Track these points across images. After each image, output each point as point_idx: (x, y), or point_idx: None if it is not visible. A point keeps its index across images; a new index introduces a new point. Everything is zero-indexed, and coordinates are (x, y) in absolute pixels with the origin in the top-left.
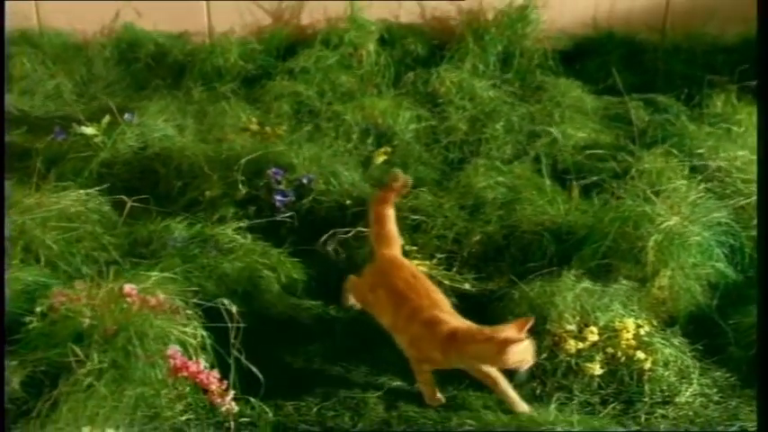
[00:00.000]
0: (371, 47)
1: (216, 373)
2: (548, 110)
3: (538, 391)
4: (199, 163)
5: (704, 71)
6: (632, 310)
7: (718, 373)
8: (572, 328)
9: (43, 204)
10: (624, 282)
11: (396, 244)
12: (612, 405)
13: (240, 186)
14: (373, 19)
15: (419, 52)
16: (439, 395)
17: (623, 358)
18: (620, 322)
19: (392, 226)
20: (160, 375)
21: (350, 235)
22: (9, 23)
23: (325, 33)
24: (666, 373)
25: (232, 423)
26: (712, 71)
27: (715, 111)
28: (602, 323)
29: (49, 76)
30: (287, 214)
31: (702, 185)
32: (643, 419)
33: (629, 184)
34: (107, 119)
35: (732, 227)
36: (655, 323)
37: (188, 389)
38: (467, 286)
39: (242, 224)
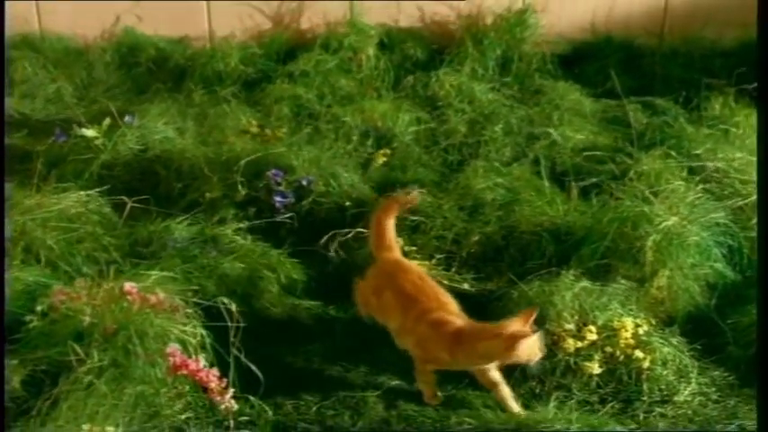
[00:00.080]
0: (371, 51)
1: (215, 371)
2: (546, 112)
3: (537, 390)
4: (199, 165)
5: (702, 75)
6: (631, 310)
7: (716, 373)
8: (571, 327)
9: (44, 205)
10: (623, 281)
11: (395, 249)
12: (611, 404)
13: (240, 188)
14: (373, 23)
15: (418, 56)
16: (438, 394)
17: (622, 357)
18: (618, 321)
19: (392, 234)
20: (160, 374)
21: (350, 236)
22: (10, 28)
23: (324, 37)
24: (665, 373)
25: (231, 421)
26: (710, 75)
27: (713, 113)
28: (600, 322)
29: (50, 80)
30: (287, 215)
31: (700, 186)
32: (642, 418)
33: (627, 185)
34: (108, 121)
35: (730, 227)
36: (653, 322)
37: (188, 388)
38: (466, 286)
39: (242, 225)
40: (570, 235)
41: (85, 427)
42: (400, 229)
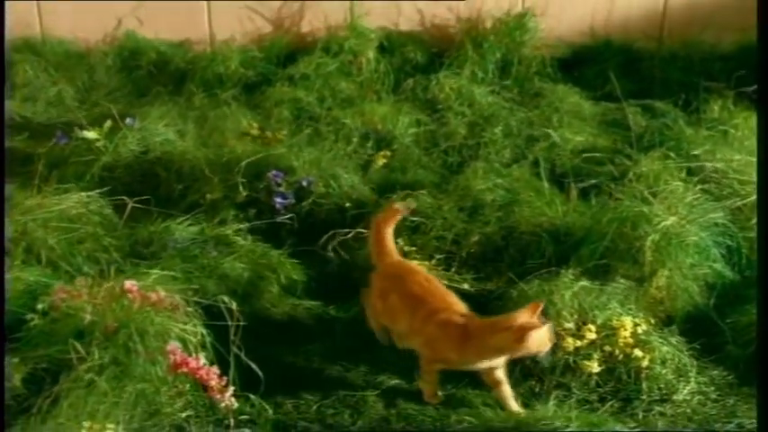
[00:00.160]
0: (371, 54)
1: (216, 369)
2: (546, 115)
3: (536, 389)
4: (199, 166)
5: (701, 78)
6: (630, 309)
7: (715, 372)
8: (570, 326)
9: (45, 206)
10: (622, 281)
11: (395, 254)
12: (610, 402)
13: (240, 189)
14: (373, 27)
15: (418, 59)
16: (438, 393)
17: (621, 356)
18: (617, 321)
19: (391, 242)
20: (160, 372)
21: (349, 236)
22: (12, 31)
23: (325, 41)
24: (664, 371)
25: (231, 420)
26: (709, 78)
27: (712, 115)
28: (600, 321)
29: (51, 84)
30: (287, 216)
31: (699, 187)
32: (641, 417)
33: (626, 186)
34: (109, 124)
35: (729, 227)
36: (652, 322)
37: (188, 386)
38: (466, 286)
39: (242, 226)
40: (569, 235)
41: (86, 424)
42: (400, 230)
